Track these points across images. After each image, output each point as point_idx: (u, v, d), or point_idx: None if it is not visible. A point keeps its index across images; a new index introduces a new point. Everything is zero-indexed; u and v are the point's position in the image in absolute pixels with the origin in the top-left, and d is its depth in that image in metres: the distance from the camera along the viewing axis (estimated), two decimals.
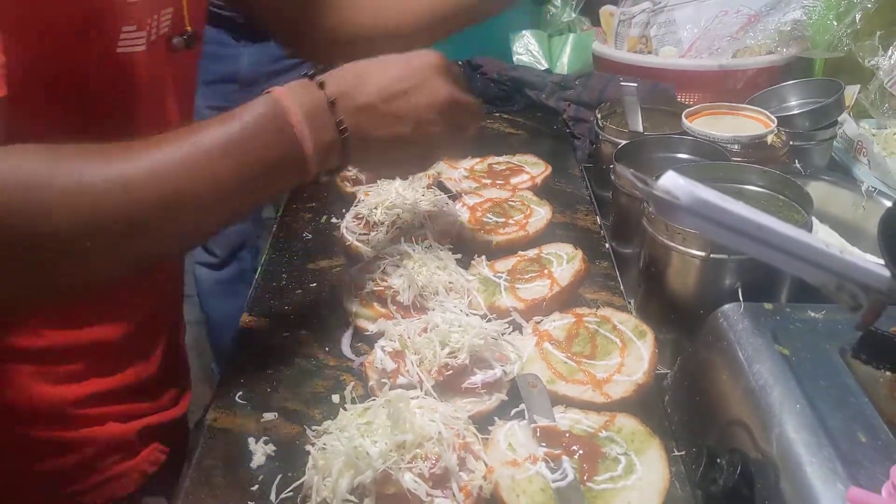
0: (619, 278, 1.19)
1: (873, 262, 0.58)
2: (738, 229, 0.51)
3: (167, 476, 1.01)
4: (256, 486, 0.82)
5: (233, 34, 1.96)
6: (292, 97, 0.82)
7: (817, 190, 1.26)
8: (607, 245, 1.27)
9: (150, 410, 1.04)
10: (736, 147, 1.27)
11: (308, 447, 0.79)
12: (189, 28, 0.94)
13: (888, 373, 0.83)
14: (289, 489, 0.80)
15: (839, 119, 1.45)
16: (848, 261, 0.56)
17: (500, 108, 1.82)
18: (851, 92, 1.57)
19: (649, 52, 1.88)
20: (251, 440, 0.87)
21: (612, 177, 1.22)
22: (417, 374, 0.87)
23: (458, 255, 1.09)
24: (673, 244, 0.99)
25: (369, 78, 0.86)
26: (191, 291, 2.16)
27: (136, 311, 1.00)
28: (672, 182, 0.51)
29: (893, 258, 0.63)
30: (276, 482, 0.82)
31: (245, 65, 2.01)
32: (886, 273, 0.57)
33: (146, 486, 1.03)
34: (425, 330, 0.93)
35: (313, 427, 0.83)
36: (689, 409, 0.92)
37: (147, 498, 1.02)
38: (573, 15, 2.00)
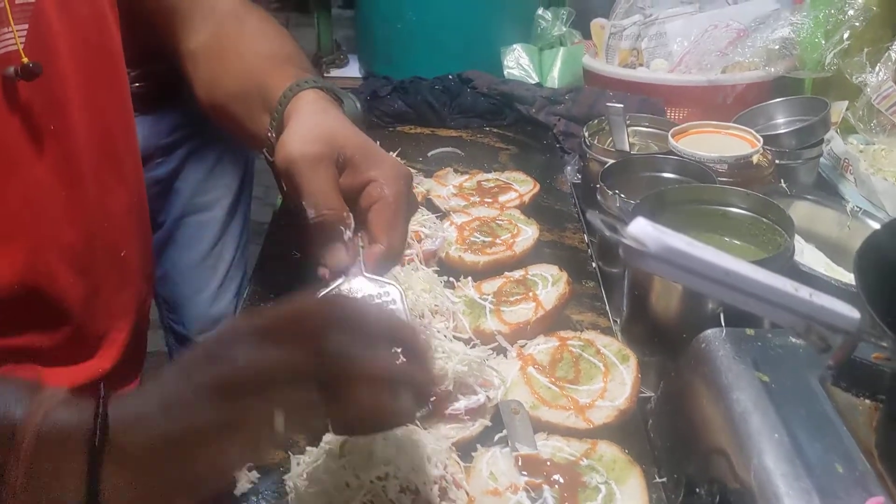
0: (605, 298, 1.20)
1: (841, 304, 0.59)
2: (706, 275, 0.52)
3: None
4: None
5: None
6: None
7: (803, 209, 1.27)
8: (594, 264, 1.28)
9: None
10: (724, 167, 1.27)
11: (288, 480, 0.80)
12: (25, 60, 0.84)
13: (867, 401, 0.83)
14: None
15: (826, 136, 1.45)
16: (816, 304, 0.56)
17: (490, 122, 1.83)
18: (839, 108, 1.58)
19: (640, 65, 1.89)
20: None
21: (598, 196, 1.22)
22: None
23: (445, 277, 1.10)
24: None
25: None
26: None
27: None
28: (641, 230, 0.51)
29: (869, 294, 0.64)
30: None
31: (139, 138, 1.76)
32: (855, 314, 0.58)
33: None
34: None
35: (297, 456, 0.84)
36: (671, 434, 0.93)
37: None
38: (564, 28, 2.01)
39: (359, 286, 0.78)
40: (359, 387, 0.57)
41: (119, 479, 0.54)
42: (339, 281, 0.79)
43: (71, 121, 0.95)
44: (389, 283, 0.79)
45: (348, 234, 0.79)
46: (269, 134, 0.90)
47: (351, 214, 0.80)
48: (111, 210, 1.01)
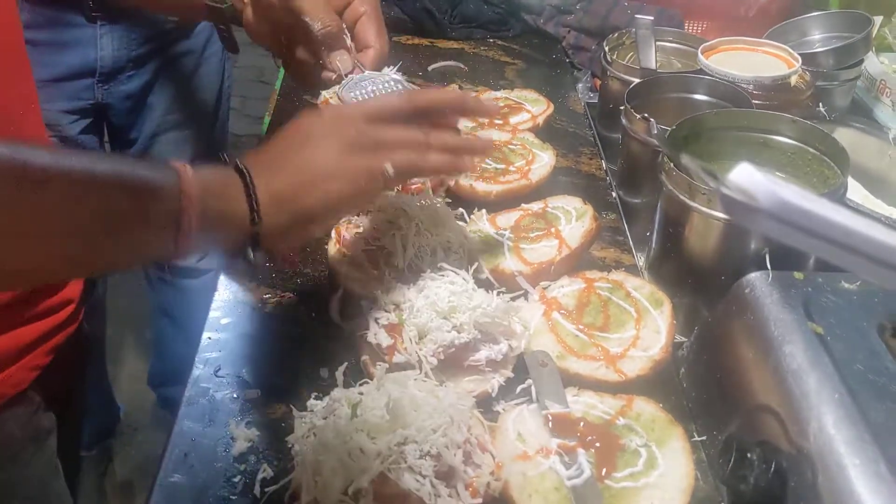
0: (628, 232, 1.10)
1: None
2: (825, 236, 0.42)
3: (51, 383, 0.95)
4: (239, 478, 0.74)
5: (84, 13, 1.48)
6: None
7: (843, 137, 1.16)
8: (614, 194, 1.18)
9: (17, 323, 0.90)
10: (758, 89, 1.16)
11: (293, 442, 0.71)
12: None
13: None
14: (276, 485, 0.72)
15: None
16: None
17: (494, 33, 1.69)
18: (874, 24, 1.45)
19: None
20: (232, 422, 0.79)
21: (623, 119, 1.11)
22: (416, 353, 0.78)
23: (459, 210, 1.00)
24: (695, 204, 0.90)
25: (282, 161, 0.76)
26: None
27: None
28: (748, 178, 0.41)
29: None
30: (260, 474, 0.74)
31: (107, 51, 1.53)
32: None
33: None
34: (420, 291, 0.84)
35: (300, 412, 0.75)
36: (708, 387, 0.85)
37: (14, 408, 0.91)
38: None
39: (366, 79, 0.93)
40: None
41: (270, 206, 0.70)
42: (347, 79, 0.93)
43: None
44: (386, 74, 0.95)
45: (349, 41, 0.94)
46: None
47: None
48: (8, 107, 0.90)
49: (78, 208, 0.60)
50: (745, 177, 0.42)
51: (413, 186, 1.04)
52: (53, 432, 0.97)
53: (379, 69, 0.96)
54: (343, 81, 0.94)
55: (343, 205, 0.76)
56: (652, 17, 1.20)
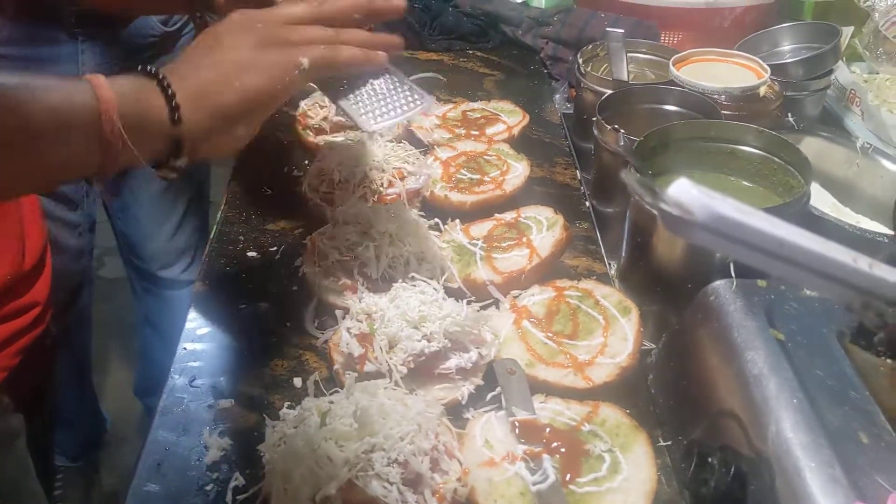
0: (601, 241, 1.12)
1: None
2: (760, 247, 0.44)
3: (19, 385, 0.97)
4: (212, 486, 0.75)
5: (65, 29, 1.46)
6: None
7: (811, 146, 1.19)
8: (587, 203, 1.20)
9: None
10: (728, 99, 1.18)
11: (264, 450, 0.73)
12: None
13: (889, 360, 0.78)
14: (247, 493, 0.73)
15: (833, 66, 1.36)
16: (877, 277, 0.49)
17: (474, 45, 1.71)
18: (844, 34, 1.48)
19: None
20: (206, 432, 0.80)
21: (595, 130, 1.13)
22: (387, 361, 0.80)
23: (434, 221, 1.02)
24: None
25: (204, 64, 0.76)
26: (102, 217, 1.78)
27: None
28: (684, 193, 0.43)
29: None
30: (232, 482, 0.75)
31: (88, 66, 1.50)
32: None
33: None
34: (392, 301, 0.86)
35: (272, 421, 0.76)
36: (675, 393, 0.87)
37: None
38: None
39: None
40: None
41: (189, 105, 0.71)
42: None
43: None
44: None
45: None
46: None
47: None
48: None
49: None
50: (682, 191, 0.43)
51: (388, 197, 1.06)
52: (23, 434, 0.99)
53: None
54: None
55: (262, 100, 0.76)
56: (623, 30, 1.21)
